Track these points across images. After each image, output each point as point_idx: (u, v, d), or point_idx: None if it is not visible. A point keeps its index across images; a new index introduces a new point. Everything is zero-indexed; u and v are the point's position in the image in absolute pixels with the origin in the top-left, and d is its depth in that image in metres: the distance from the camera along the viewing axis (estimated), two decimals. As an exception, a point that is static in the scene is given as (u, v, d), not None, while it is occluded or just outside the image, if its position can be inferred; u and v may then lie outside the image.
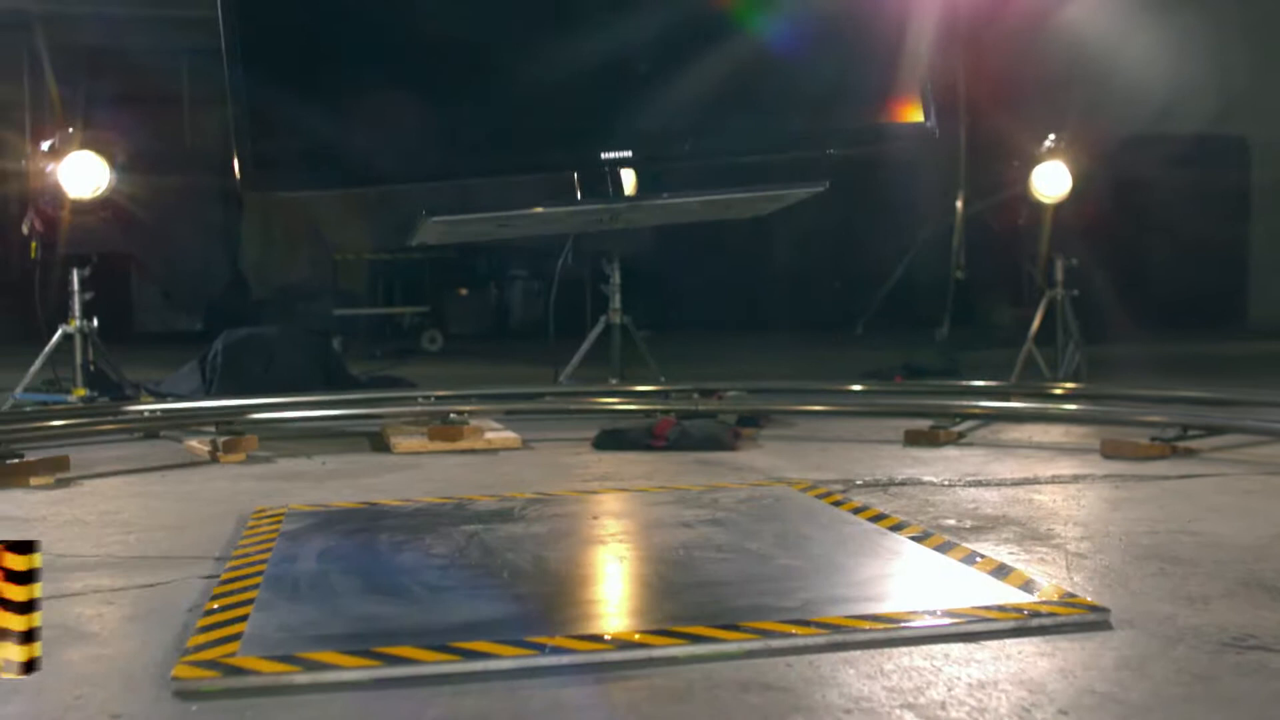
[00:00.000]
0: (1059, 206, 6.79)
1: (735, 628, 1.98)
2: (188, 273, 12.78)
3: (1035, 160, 6.75)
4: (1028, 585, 2.25)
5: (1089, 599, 2.17)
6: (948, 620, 2.04)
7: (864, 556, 2.52)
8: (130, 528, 2.95)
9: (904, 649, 1.94)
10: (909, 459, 4.06)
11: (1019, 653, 1.92)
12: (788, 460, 4.05)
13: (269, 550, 2.57)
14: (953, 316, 10.74)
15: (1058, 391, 5.64)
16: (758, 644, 1.93)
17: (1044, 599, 2.16)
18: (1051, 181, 6.70)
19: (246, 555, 2.53)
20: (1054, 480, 3.56)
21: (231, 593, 2.23)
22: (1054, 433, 4.65)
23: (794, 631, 1.97)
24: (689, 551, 2.54)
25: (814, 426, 4.97)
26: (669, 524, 2.83)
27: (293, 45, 2.35)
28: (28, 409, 5.44)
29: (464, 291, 12.36)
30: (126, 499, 3.38)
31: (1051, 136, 6.82)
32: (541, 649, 1.88)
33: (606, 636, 1.94)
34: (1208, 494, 3.30)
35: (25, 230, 5.63)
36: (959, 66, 10.58)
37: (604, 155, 2.38)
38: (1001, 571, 2.36)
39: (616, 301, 6.50)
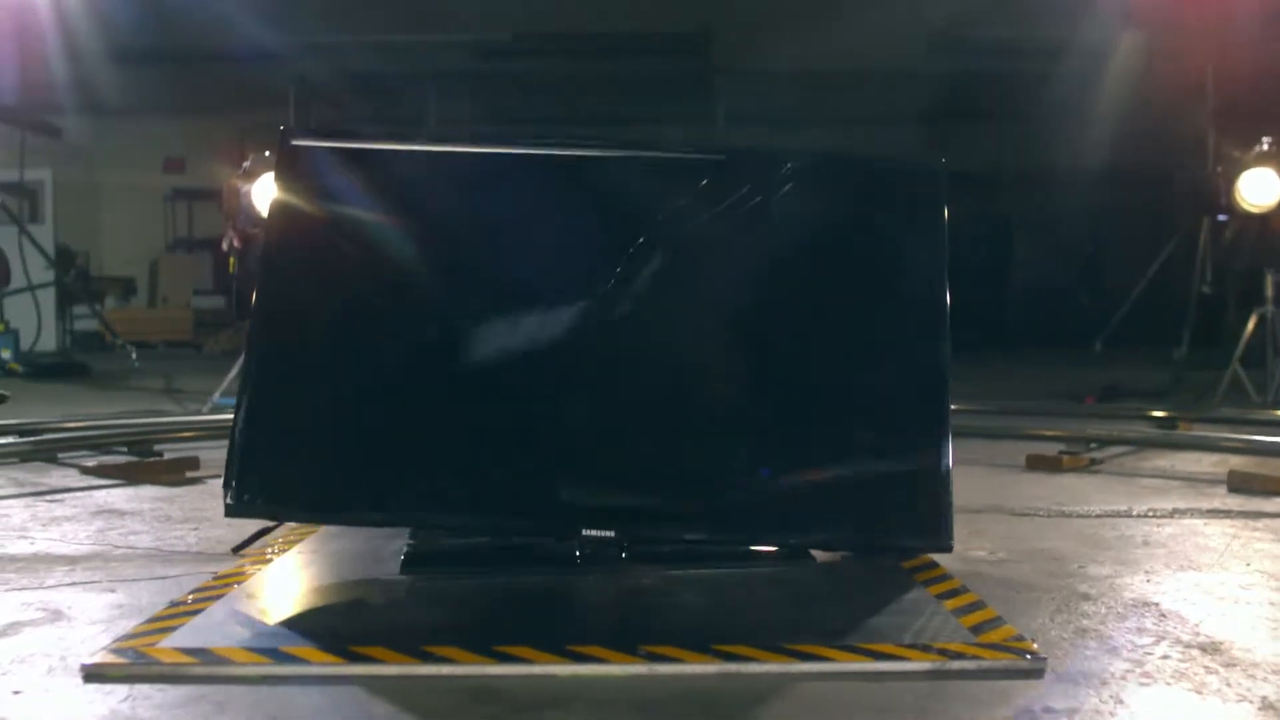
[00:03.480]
0: (1271, 216, 6.24)
1: (633, 651, 1.97)
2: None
3: (1242, 167, 6.23)
4: (980, 627, 2.12)
5: (1035, 647, 2.01)
6: (861, 657, 1.95)
7: (838, 585, 2.44)
8: (202, 524, 3.20)
9: (801, 684, 1.88)
10: (1014, 485, 3.86)
11: (912, 699, 1.82)
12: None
13: (285, 552, 2.74)
14: (1198, 334, 10.04)
15: (1230, 418, 5.19)
16: (641, 669, 1.92)
17: (986, 642, 2.03)
18: (1260, 189, 6.16)
19: (264, 556, 2.71)
20: (1146, 514, 3.29)
21: (215, 588, 2.40)
22: (1206, 461, 4.29)
23: (684, 657, 1.94)
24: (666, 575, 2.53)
25: (956, 448, 4.78)
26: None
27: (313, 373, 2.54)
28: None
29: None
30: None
31: (1265, 141, 6.27)
32: (428, 657, 1.94)
33: (492, 647, 1.97)
34: (1307, 537, 2.98)
35: (225, 247, 6.17)
36: (1208, 70, 9.87)
37: (586, 532, 2.38)
38: (968, 609, 2.23)
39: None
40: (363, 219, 2.57)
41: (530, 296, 2.53)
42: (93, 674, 1.90)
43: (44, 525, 3.18)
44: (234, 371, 6.37)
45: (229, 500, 2.38)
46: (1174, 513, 3.31)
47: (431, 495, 2.44)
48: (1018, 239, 15.91)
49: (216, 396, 6.30)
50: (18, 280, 9.88)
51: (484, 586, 2.43)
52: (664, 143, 2.90)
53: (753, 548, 2.71)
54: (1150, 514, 3.30)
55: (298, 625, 2.15)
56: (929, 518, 2.53)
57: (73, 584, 2.51)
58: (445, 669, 1.92)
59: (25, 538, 3.01)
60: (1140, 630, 2.16)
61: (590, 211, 2.67)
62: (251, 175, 5.96)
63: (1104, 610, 2.29)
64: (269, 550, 2.74)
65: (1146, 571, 2.60)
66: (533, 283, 2.56)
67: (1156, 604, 2.33)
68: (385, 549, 2.75)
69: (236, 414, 2.43)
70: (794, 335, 2.63)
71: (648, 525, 2.44)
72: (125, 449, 4.21)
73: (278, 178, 2.61)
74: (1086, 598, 2.39)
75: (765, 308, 2.62)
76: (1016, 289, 15.63)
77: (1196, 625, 2.18)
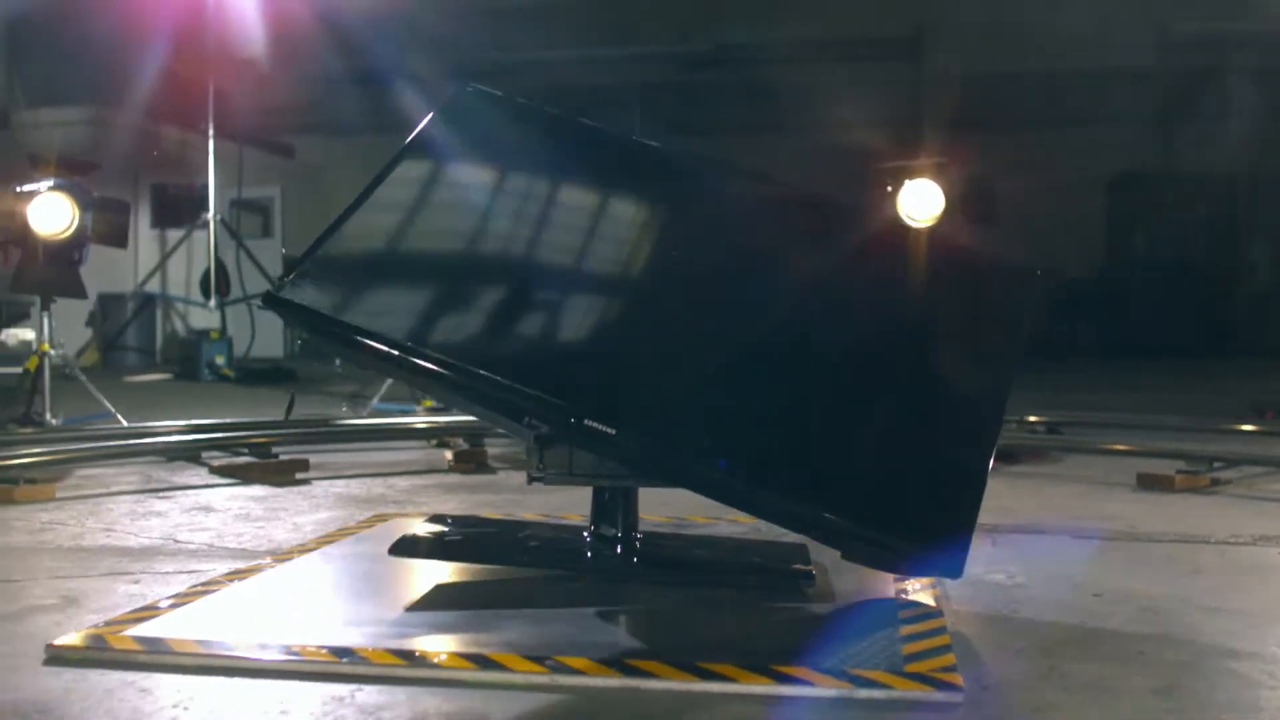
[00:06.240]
0: None
1: (541, 660, 1.99)
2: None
3: None
4: (919, 655, 2.03)
5: (959, 680, 1.91)
6: (769, 680, 1.91)
7: (811, 605, 2.38)
8: (270, 523, 3.40)
9: (695, 703, 1.85)
10: (1106, 505, 3.63)
11: (793, 722, 1.77)
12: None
13: (309, 552, 2.89)
14: None
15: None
16: (544, 679, 1.93)
17: (911, 672, 1.94)
18: None
19: (288, 555, 2.87)
20: (1226, 540, 3.04)
21: (217, 583, 2.56)
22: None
23: (588, 670, 1.94)
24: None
25: (1080, 463, 4.56)
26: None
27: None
28: (390, 416, 6.28)
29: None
30: (313, 498, 3.88)
31: None
32: (344, 654, 2.02)
33: (414, 651, 2.04)
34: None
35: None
36: None
37: (586, 421, 2.30)
38: (923, 636, 2.14)
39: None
40: (484, 155, 2.91)
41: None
42: (53, 657, 2.08)
43: (133, 520, 3.46)
44: (390, 380, 6.70)
45: (274, 288, 2.53)
46: (1257, 540, 3.04)
47: (451, 339, 2.51)
48: (1250, 243, 14.81)
49: (375, 401, 6.63)
50: (237, 292, 10.68)
51: (449, 587, 2.50)
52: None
53: (761, 561, 2.69)
54: (1231, 540, 3.04)
55: (256, 621, 2.26)
56: (944, 541, 2.43)
57: (109, 574, 2.73)
58: (348, 667, 1.99)
59: (108, 531, 3.28)
60: (1100, 667, 2.01)
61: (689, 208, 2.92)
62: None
63: (1080, 643, 2.15)
64: (293, 552, 2.90)
65: (1164, 600, 2.41)
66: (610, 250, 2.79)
67: (1145, 637, 2.16)
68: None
69: (321, 236, 2.64)
70: (871, 357, 2.64)
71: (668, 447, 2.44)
72: (246, 450, 4.51)
73: (441, 107, 2.93)
74: (1070, 628, 2.24)
75: (848, 327, 2.68)
76: (1245, 295, 14.56)
77: (1169, 665, 2.01)
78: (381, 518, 3.39)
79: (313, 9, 12.16)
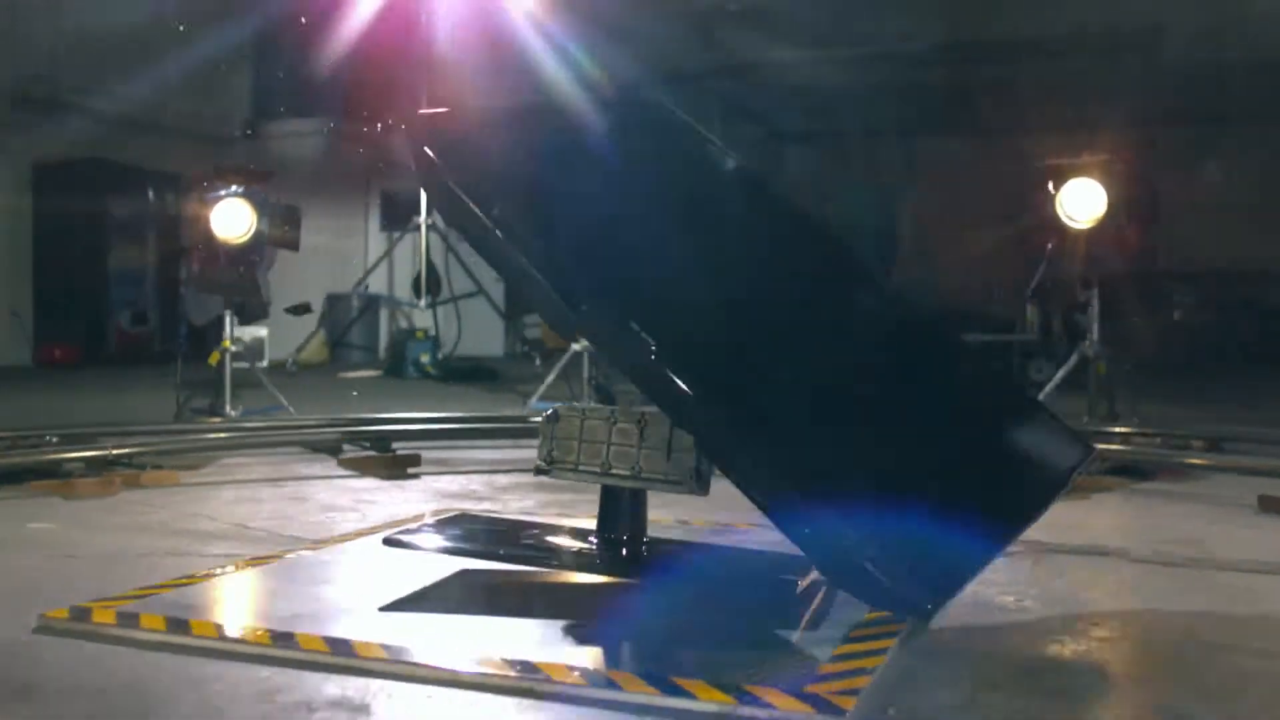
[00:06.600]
0: None
1: (453, 656, 2.04)
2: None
3: None
4: (829, 675, 1.95)
5: (851, 705, 1.83)
6: (654, 691, 1.89)
7: (771, 618, 2.33)
8: (344, 515, 3.59)
9: (577, 710, 1.86)
10: (1206, 527, 3.35)
11: (652, 733, 1.75)
12: (1071, 514, 3.52)
13: (345, 542, 3.04)
14: None
15: None
16: (444, 675, 1.98)
17: (808, 693, 1.87)
18: None
19: (321, 545, 3.03)
20: (1303, 574, 2.76)
21: (236, 567, 2.74)
22: None
23: (491, 669, 1.98)
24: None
25: (1220, 483, 4.21)
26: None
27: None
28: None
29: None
30: (406, 492, 4.07)
31: None
32: (284, 639, 2.13)
33: (347, 641, 2.12)
34: None
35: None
36: None
37: (632, 324, 2.36)
38: (851, 656, 2.06)
39: (1094, 332, 5.92)
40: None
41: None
42: (41, 627, 2.28)
43: (227, 506, 3.72)
44: (550, 378, 6.89)
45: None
46: (1344, 573, 2.74)
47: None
48: None
49: (534, 400, 6.83)
50: (447, 293, 11.19)
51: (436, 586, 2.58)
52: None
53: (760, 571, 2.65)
54: (1311, 573, 2.76)
55: (232, 605, 2.41)
56: (926, 584, 2.32)
57: (160, 554, 2.96)
58: (279, 652, 2.09)
59: (195, 515, 3.54)
60: (1031, 702, 1.88)
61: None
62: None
63: (1033, 675, 2.01)
64: (328, 542, 3.06)
65: (1174, 634, 2.23)
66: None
67: (1114, 675, 2.00)
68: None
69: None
70: (930, 410, 2.63)
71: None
72: (368, 444, 4.76)
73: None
74: (1038, 658, 2.10)
75: (905, 375, 2.72)
76: None
77: (1108, 707, 1.86)
78: (439, 514, 3.51)
79: (528, 18, 12.59)
